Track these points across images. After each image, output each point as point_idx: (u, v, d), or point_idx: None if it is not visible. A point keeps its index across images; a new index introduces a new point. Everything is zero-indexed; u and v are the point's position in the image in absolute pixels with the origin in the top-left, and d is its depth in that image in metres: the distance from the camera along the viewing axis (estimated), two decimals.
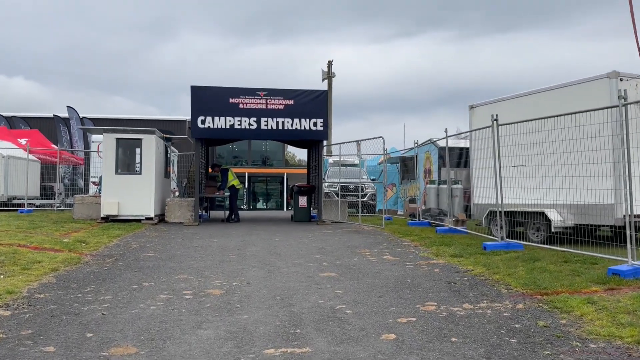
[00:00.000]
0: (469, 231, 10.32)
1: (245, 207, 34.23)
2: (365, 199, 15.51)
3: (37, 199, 18.29)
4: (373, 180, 19.27)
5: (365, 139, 13.10)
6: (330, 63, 29.87)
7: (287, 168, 39.46)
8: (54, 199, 18.46)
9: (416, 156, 15.69)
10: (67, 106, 21.73)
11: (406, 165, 20.05)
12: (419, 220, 13.17)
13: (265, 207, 38.26)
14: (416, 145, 14.50)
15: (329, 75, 29.60)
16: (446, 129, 11.03)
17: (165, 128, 21.27)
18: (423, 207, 13.84)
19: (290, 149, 49.14)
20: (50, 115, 24.56)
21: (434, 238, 9.78)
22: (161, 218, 13.78)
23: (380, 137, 12.32)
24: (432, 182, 16.45)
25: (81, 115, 23.27)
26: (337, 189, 17.35)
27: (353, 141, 13.74)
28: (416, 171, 15.98)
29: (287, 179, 36.60)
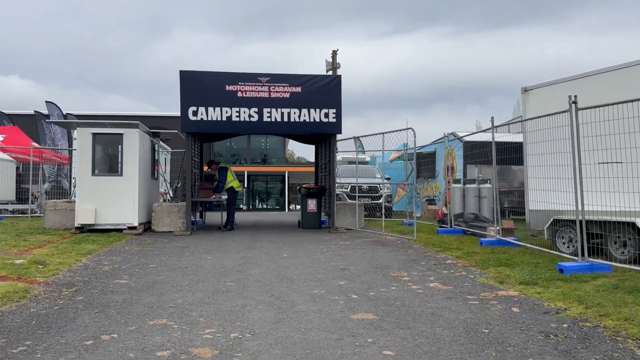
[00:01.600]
0: (522, 244, 8.41)
1: (245, 207, 32.44)
2: (380, 200, 13.60)
3: (11, 203, 16.38)
4: (388, 179, 17.36)
5: (390, 131, 11.15)
6: (334, 53, 27.85)
7: (288, 166, 37.73)
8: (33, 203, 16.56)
9: (435, 151, 13.83)
10: (47, 101, 19.64)
11: (422, 163, 18.17)
12: (451, 227, 11.25)
13: (265, 207, 36.55)
14: (446, 136, 12.57)
15: (333, 66, 27.55)
16: (492, 117, 9.10)
17: (160, 124, 19.34)
18: (444, 209, 12.02)
19: (290, 145, 47.08)
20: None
21: (482, 253, 7.87)
22: (147, 226, 11.84)
23: (410, 128, 10.44)
24: (457, 181, 14.65)
25: (67, 112, 21.39)
26: (348, 190, 15.45)
27: (376, 134, 11.75)
28: (444, 168, 14.09)
29: (288, 177, 34.94)
